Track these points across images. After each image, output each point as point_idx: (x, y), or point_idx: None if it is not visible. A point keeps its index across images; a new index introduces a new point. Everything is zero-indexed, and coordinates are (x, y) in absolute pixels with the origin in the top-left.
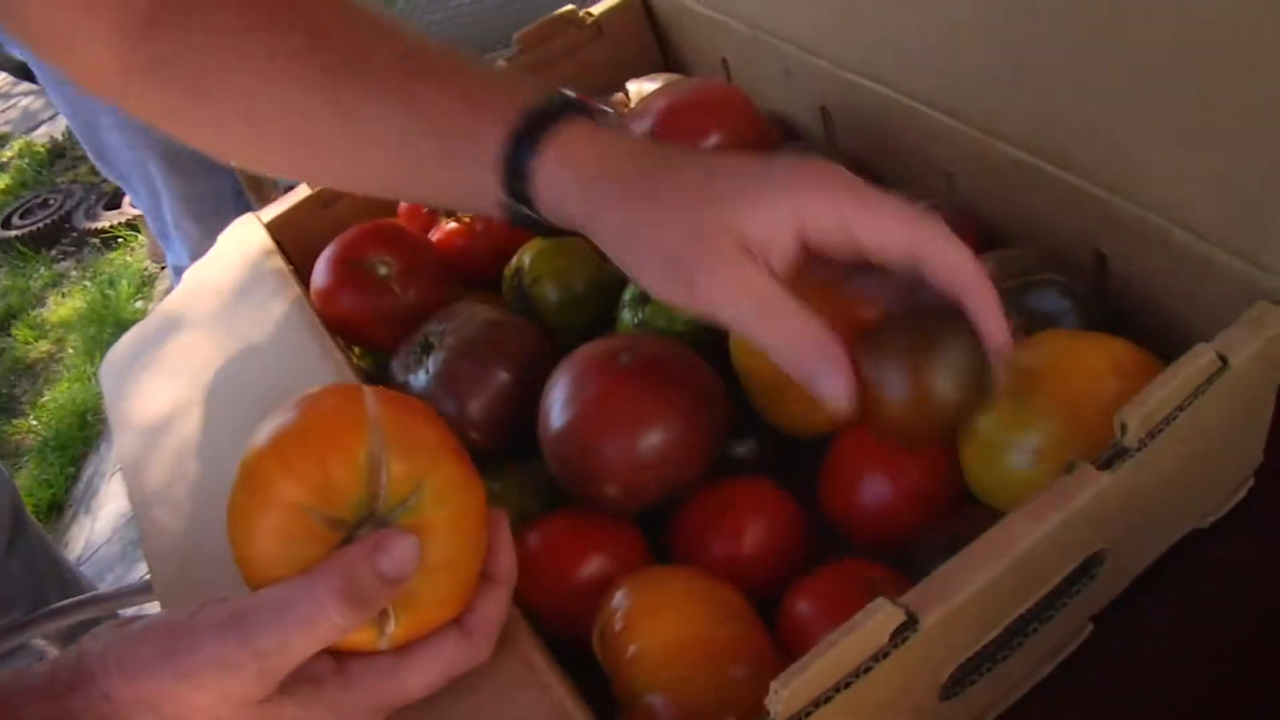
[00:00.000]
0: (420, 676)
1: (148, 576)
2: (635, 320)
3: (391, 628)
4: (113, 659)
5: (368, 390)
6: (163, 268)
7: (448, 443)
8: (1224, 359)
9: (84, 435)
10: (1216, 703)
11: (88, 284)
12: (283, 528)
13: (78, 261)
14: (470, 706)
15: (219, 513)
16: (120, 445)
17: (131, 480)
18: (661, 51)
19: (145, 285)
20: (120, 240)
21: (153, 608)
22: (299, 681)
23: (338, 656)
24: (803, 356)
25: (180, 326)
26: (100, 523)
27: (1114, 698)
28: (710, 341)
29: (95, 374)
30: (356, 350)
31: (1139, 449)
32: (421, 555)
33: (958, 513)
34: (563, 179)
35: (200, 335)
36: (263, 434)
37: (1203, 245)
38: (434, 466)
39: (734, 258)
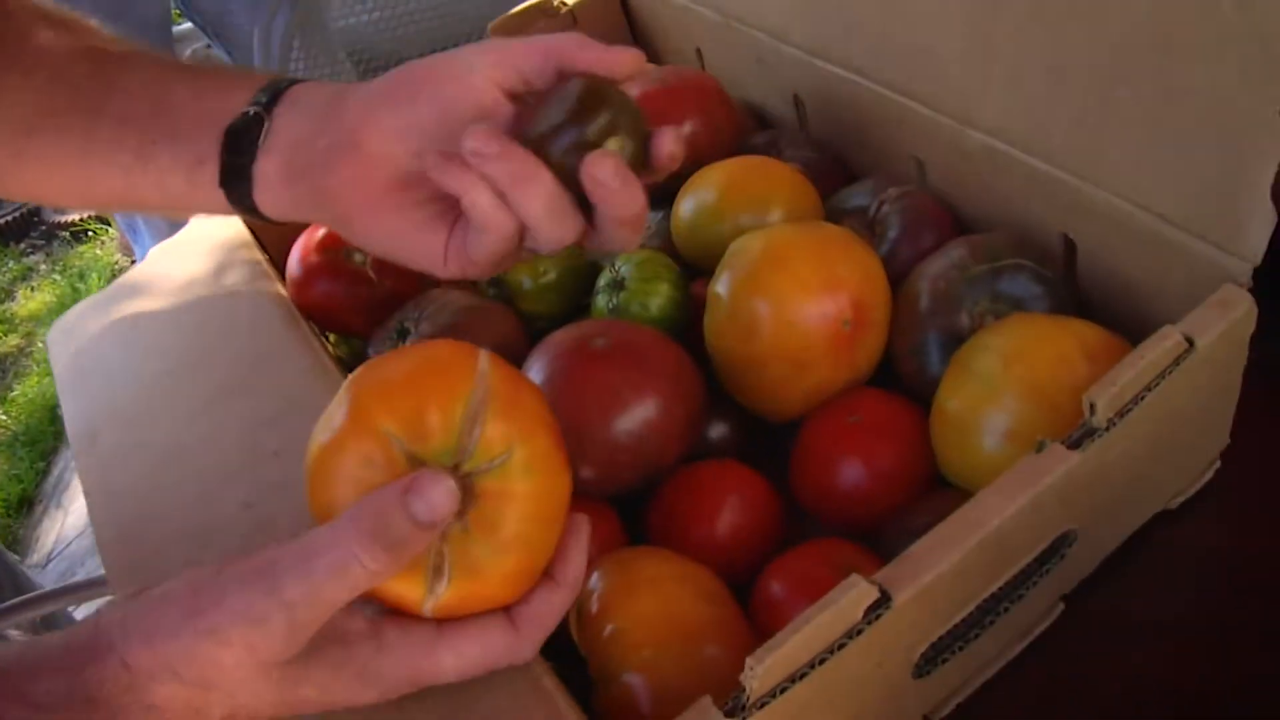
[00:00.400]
0: (457, 658)
1: None
2: (609, 306)
3: (443, 588)
4: (134, 625)
5: (483, 351)
6: (133, 261)
7: (548, 420)
8: (1190, 341)
9: (54, 429)
10: (1185, 681)
11: (57, 277)
12: (365, 452)
13: (47, 255)
14: (447, 686)
15: (176, 489)
16: (69, 413)
17: (81, 449)
18: (635, 41)
19: (115, 278)
20: (90, 233)
21: None
22: (329, 642)
23: (375, 622)
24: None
25: (142, 301)
26: (71, 517)
27: (1085, 676)
28: (684, 327)
29: None
30: (331, 338)
31: (1107, 429)
32: (494, 523)
33: (929, 495)
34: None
35: (164, 311)
36: (370, 364)
37: (1169, 230)
38: (529, 437)
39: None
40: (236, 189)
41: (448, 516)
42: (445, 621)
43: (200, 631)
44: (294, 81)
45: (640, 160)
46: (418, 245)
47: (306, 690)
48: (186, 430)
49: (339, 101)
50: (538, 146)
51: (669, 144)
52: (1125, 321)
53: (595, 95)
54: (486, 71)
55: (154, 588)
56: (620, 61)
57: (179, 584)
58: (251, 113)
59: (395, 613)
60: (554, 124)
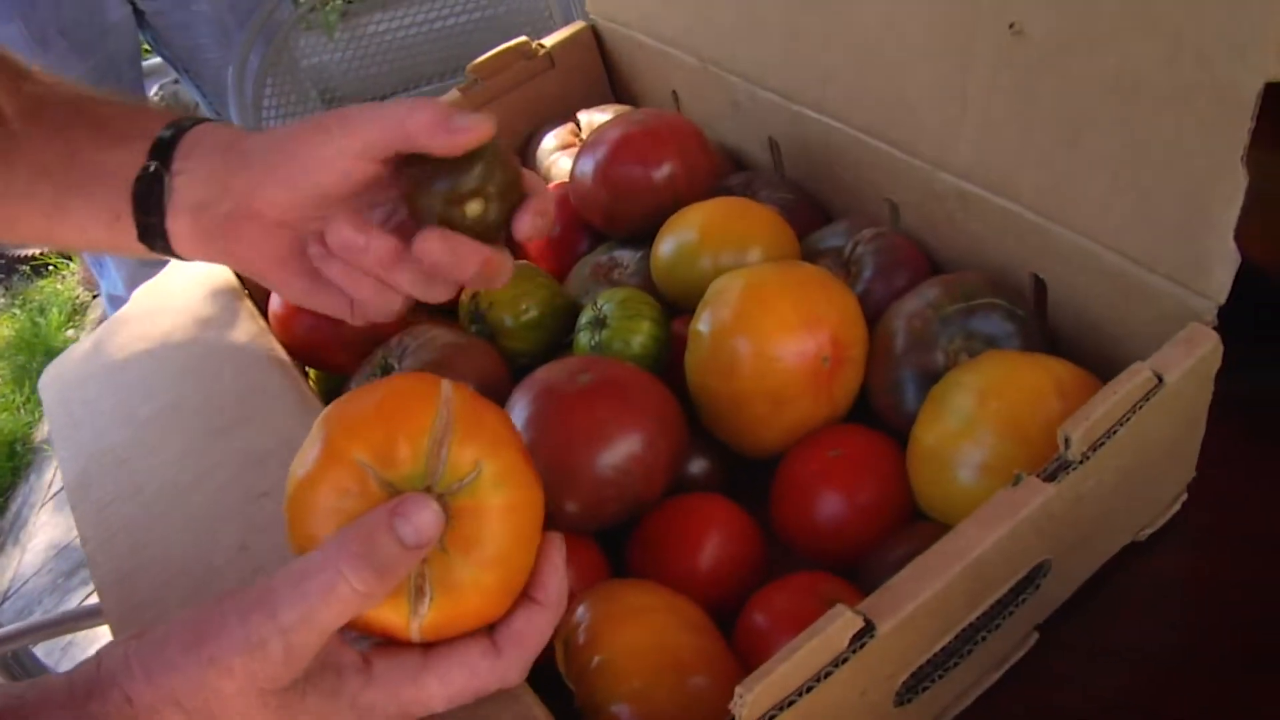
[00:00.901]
0: (443, 684)
1: (88, 603)
2: (592, 343)
3: (426, 608)
4: (136, 660)
5: (445, 380)
6: (95, 296)
7: (513, 438)
8: (1160, 377)
9: (12, 465)
10: (1156, 709)
11: (17, 312)
12: (340, 483)
13: (6, 289)
14: (439, 718)
15: (170, 532)
16: (64, 461)
17: (76, 497)
18: (611, 83)
19: (76, 314)
20: (51, 268)
21: (101, 632)
22: (323, 669)
23: (365, 655)
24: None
25: (129, 344)
26: (29, 555)
27: (1058, 705)
28: (665, 365)
29: (24, 404)
30: (311, 374)
31: (1081, 462)
32: (470, 540)
33: (907, 527)
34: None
35: (152, 353)
36: (339, 400)
37: (1136, 270)
38: (496, 453)
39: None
40: (156, 244)
41: (434, 539)
42: (431, 650)
43: (202, 661)
44: (184, 130)
45: (499, 224)
46: (325, 301)
47: None
48: (178, 473)
49: (233, 162)
50: (412, 204)
51: (525, 227)
52: (1094, 359)
53: (468, 158)
54: (354, 148)
55: (156, 628)
56: (462, 143)
57: (179, 619)
58: (151, 168)
59: (385, 644)
60: (424, 184)
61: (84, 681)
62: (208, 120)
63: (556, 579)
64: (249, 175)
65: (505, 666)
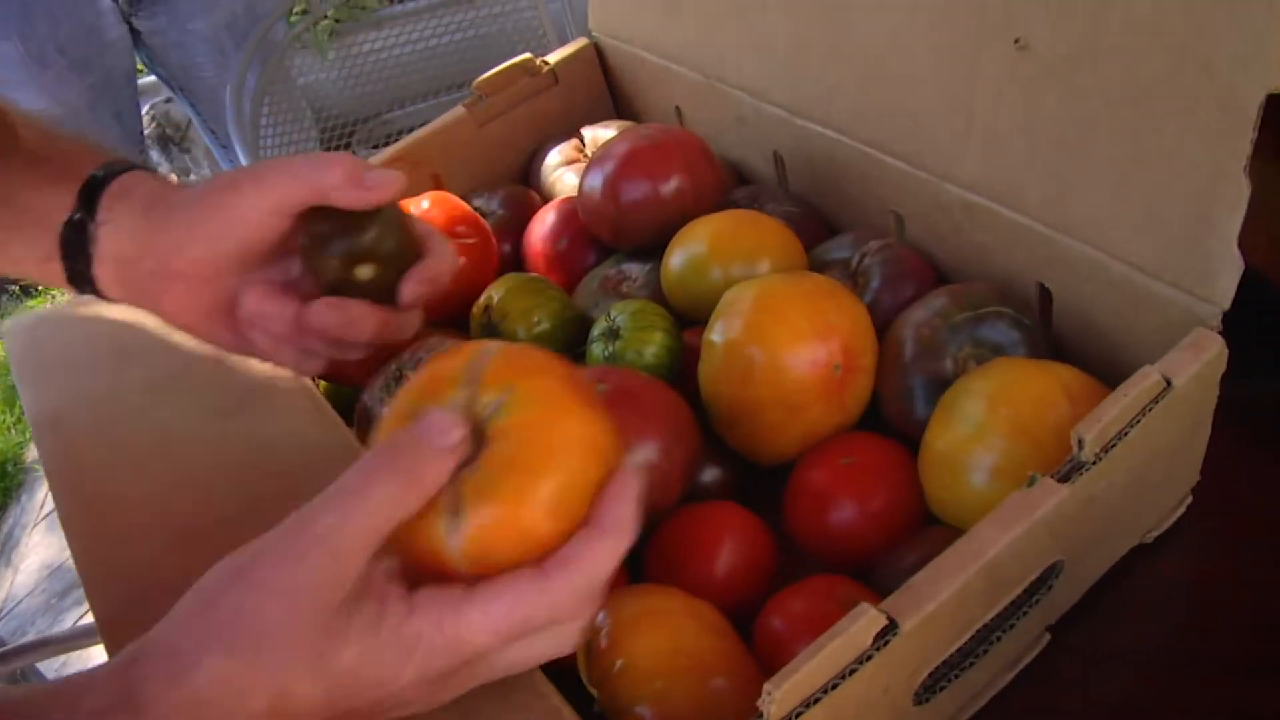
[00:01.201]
0: (485, 615)
1: (83, 623)
2: (606, 354)
3: (463, 524)
4: (181, 608)
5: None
6: None
7: (561, 370)
8: (1168, 380)
9: (3, 486)
10: (1164, 711)
11: None
12: (394, 419)
13: None
14: (464, 707)
15: (169, 520)
16: (30, 402)
17: (54, 466)
18: (614, 99)
19: None
20: (40, 288)
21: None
22: (366, 597)
23: (411, 590)
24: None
25: (119, 315)
26: (21, 575)
27: (1068, 708)
28: (678, 375)
29: (14, 424)
30: (321, 385)
31: (1094, 463)
32: (504, 459)
33: (919, 532)
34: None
35: (144, 327)
36: None
37: (1141, 278)
38: (532, 377)
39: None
40: (84, 288)
41: (459, 442)
42: (477, 582)
43: (244, 589)
44: (114, 174)
45: (394, 287)
46: (256, 349)
47: (349, 654)
48: (173, 442)
49: (154, 221)
50: (308, 263)
51: (408, 293)
52: (1098, 365)
53: (365, 220)
54: (267, 204)
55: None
56: (374, 200)
57: (213, 573)
58: (76, 218)
59: (431, 582)
60: (321, 244)
61: (125, 656)
62: (137, 167)
63: (620, 505)
64: (169, 235)
65: (555, 592)
